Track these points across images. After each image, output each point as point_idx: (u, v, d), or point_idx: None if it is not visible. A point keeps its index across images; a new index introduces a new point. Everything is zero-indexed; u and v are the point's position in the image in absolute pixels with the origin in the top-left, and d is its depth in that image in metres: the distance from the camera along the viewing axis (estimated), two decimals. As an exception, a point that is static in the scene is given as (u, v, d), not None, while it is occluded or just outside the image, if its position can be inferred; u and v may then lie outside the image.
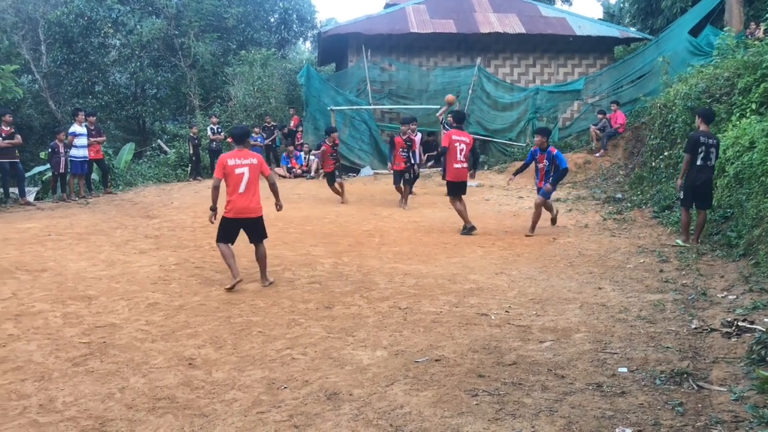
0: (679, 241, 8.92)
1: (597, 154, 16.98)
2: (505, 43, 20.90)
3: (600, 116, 17.75)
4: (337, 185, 14.10)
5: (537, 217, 10.32)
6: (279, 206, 7.80)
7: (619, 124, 17.15)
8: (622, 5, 28.72)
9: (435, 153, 19.83)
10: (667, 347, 5.11)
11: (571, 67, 21.35)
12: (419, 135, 13.17)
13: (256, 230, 7.48)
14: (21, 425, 4.01)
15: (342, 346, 5.38)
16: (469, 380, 4.58)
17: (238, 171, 7.37)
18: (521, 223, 11.22)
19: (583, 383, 4.48)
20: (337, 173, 14.18)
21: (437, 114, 14.41)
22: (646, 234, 9.91)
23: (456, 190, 10.53)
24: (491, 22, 20.75)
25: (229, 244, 7.37)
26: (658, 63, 16.91)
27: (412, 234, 10.51)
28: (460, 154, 10.45)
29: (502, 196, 14.44)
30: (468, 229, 10.34)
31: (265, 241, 7.57)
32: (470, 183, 16.41)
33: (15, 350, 5.24)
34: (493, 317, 6.11)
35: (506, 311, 6.30)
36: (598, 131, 17.43)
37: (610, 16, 29.18)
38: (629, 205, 12.06)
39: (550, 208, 10.78)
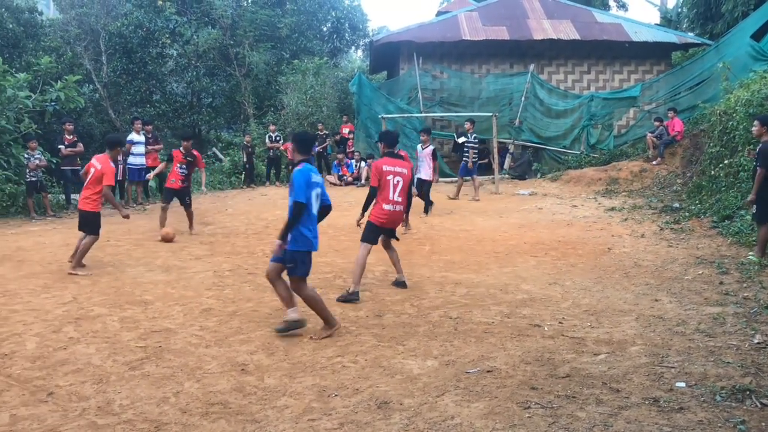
0: (753, 256, 8.42)
1: (653, 162, 16.60)
2: (559, 49, 20.66)
3: (657, 123, 17.36)
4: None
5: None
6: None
7: (677, 132, 16.74)
8: (680, 10, 28.07)
9: (486, 161, 19.76)
10: (728, 362, 4.94)
11: (627, 73, 20.98)
12: (431, 147, 12.87)
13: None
14: (80, 426, 4.11)
15: (392, 354, 5.37)
16: (521, 392, 4.51)
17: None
18: (575, 233, 11.05)
19: (639, 398, 4.37)
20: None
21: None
22: (705, 244, 9.63)
23: (375, 234, 7.50)
24: (545, 28, 20.54)
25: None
26: (717, 69, 16.47)
27: (463, 243, 10.45)
28: (394, 191, 7.38)
29: (555, 205, 14.24)
30: (349, 296, 7.17)
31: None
32: (522, 191, 16.31)
33: (75, 353, 5.39)
34: (546, 328, 6.02)
35: (560, 322, 6.20)
36: (654, 139, 17.05)
37: (668, 22, 28.54)
38: (687, 214, 11.75)
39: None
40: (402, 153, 8.83)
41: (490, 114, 17.92)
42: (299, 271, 5.79)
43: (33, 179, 13.27)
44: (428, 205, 13.23)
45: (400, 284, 7.72)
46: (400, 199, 7.40)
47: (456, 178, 17.39)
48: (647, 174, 16.22)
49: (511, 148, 19.64)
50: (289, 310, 5.91)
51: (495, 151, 17.84)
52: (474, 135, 16.02)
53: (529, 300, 7.07)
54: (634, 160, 17.37)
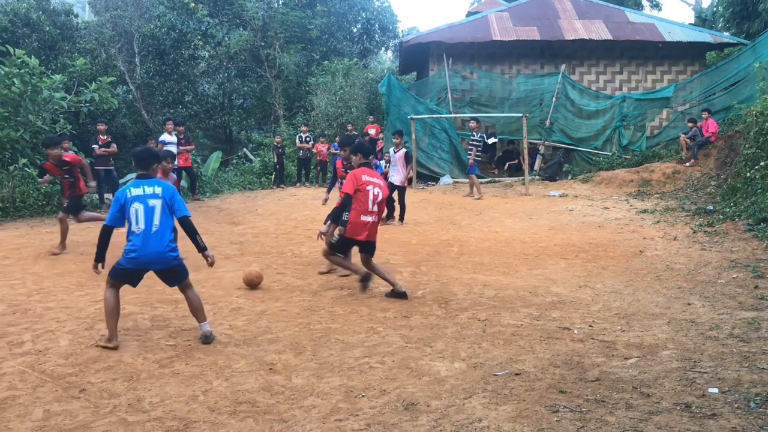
0: None
1: (687, 164, 16.35)
2: (591, 49, 20.45)
3: (690, 125, 17.09)
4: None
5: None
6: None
7: (711, 133, 16.46)
8: (715, 9, 27.60)
9: (516, 162, 19.64)
10: (763, 368, 4.84)
11: (660, 74, 20.69)
12: (403, 150, 12.59)
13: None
14: (111, 423, 4.17)
15: (420, 356, 5.36)
16: (550, 396, 4.47)
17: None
18: (606, 235, 10.92)
19: (670, 403, 4.30)
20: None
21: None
22: (740, 248, 9.45)
23: (347, 246, 7.45)
24: (576, 28, 20.35)
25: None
26: (754, 69, 16.15)
27: (492, 244, 10.39)
28: (373, 202, 7.17)
29: (586, 207, 14.10)
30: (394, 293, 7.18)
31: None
32: (553, 193, 16.19)
33: (107, 350, 5.47)
34: (575, 331, 5.96)
35: (590, 325, 6.14)
36: (688, 140, 16.79)
37: (702, 21, 28.09)
38: (721, 217, 11.54)
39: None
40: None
41: (521, 115, 17.83)
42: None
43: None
44: (403, 212, 12.61)
45: (399, 294, 7.21)
46: (377, 210, 7.22)
47: (484, 179, 17.32)
48: (680, 176, 15.99)
49: (542, 149, 19.50)
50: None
51: (525, 152, 17.76)
52: (480, 134, 16.44)
53: (559, 303, 7.01)
54: (667, 161, 17.14)
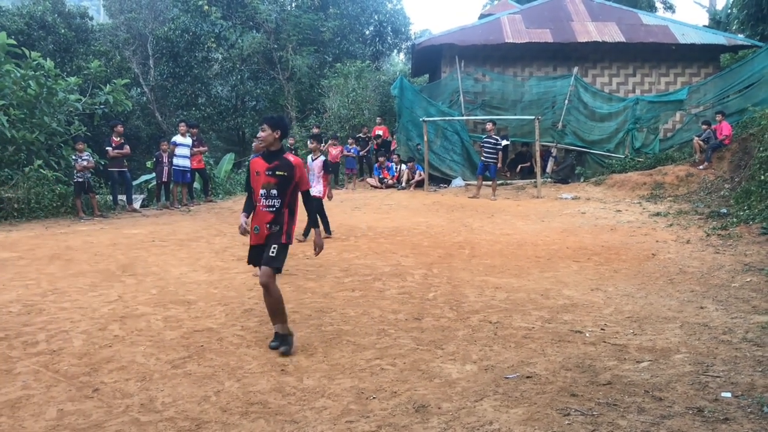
0: None
1: (700, 167, 16.24)
2: (604, 52, 20.37)
3: (704, 127, 16.98)
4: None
5: None
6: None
7: (725, 136, 16.34)
8: (729, 11, 27.41)
9: (528, 164, 19.59)
10: (777, 373, 4.81)
11: (674, 76, 20.57)
12: (322, 158, 10.91)
13: None
14: (124, 423, 4.20)
15: (431, 358, 5.36)
16: (561, 399, 4.46)
17: None
18: (619, 238, 10.87)
19: (682, 407, 4.27)
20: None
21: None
22: (754, 251, 9.38)
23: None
24: (589, 31, 20.28)
25: None
26: (768, 71, 16.04)
27: (503, 247, 10.37)
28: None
29: (598, 209, 14.04)
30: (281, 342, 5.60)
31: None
32: (565, 195, 16.14)
33: (120, 351, 5.50)
34: (587, 335, 5.93)
35: (601, 329, 6.11)
36: (701, 143, 16.67)
37: (717, 23, 27.90)
38: (735, 220, 11.47)
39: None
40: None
41: (533, 117, 17.78)
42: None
43: (80, 180, 13.59)
44: (327, 223, 11.29)
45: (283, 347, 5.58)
46: None
47: (496, 181, 17.30)
48: (694, 179, 15.89)
49: (554, 151, 19.43)
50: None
51: (537, 154, 17.70)
52: (492, 136, 16.62)
53: (571, 306, 6.99)
54: (680, 164, 17.04)
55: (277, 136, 5.53)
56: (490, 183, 16.86)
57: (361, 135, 20.84)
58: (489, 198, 16.27)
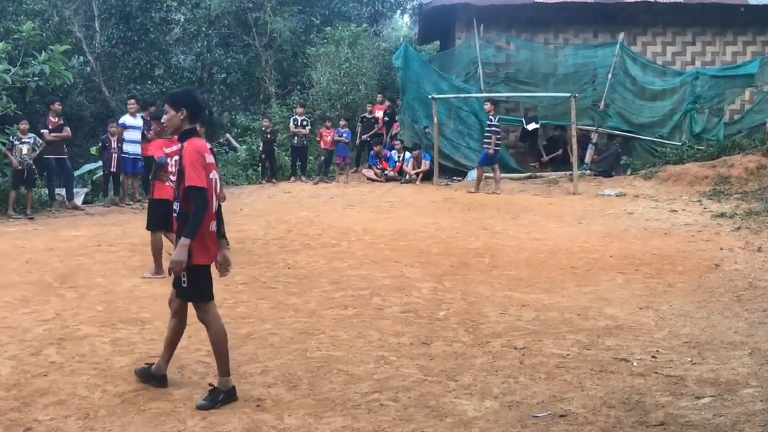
0: None
1: (775, 157, 16.26)
2: (656, 14, 20.37)
3: (780, 108, 17.01)
4: None
5: None
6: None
7: (807, 119, 16.37)
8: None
9: (561, 152, 19.57)
10: None
11: (743, 44, 20.57)
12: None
13: None
14: (62, 470, 4.20)
15: (441, 392, 5.36)
16: (602, 443, 4.46)
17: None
18: (674, 244, 10.88)
19: (753, 454, 4.28)
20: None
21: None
22: (842, 262, 9.40)
23: (209, 280, 5.43)
24: (638, -12, 20.27)
25: None
26: None
27: (531, 254, 10.38)
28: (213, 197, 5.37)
29: (649, 209, 14.05)
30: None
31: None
32: (608, 191, 16.16)
33: (57, 381, 5.50)
34: (635, 364, 5.94)
35: (652, 357, 6.12)
36: (777, 127, 16.70)
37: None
38: (818, 223, 11.49)
39: None
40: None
41: (569, 95, 17.75)
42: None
43: (20, 168, 13.55)
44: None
45: (152, 377, 5.51)
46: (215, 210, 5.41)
47: (521, 174, 17.32)
48: (766, 172, 15.89)
49: (595, 137, 19.43)
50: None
51: (574, 140, 17.68)
52: (498, 117, 16.98)
53: (615, 328, 6.99)
54: (750, 153, 17.03)
55: (183, 117, 5.26)
56: (491, 174, 17.02)
57: (366, 115, 20.83)
58: (468, 190, 16.71)
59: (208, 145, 5.70)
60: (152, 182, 8.96)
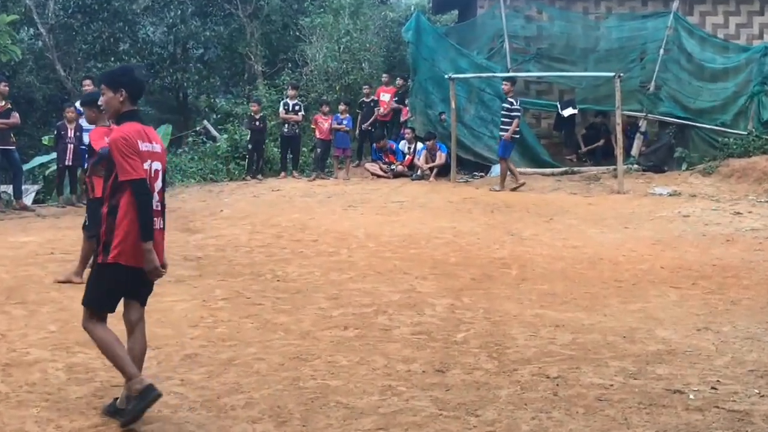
0: None
1: None
2: (717, -22, 20.35)
3: None
4: None
5: None
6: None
7: None
8: None
9: (602, 143, 19.51)
10: None
11: (821, 14, 20.54)
12: None
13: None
14: None
15: (460, 429, 5.35)
16: (652, 491, 4.45)
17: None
18: (738, 254, 10.86)
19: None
20: None
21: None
22: None
23: (117, 290, 5.43)
24: (696, -54, 20.25)
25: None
26: None
27: (568, 265, 10.36)
28: (153, 188, 5.45)
29: (708, 211, 14.03)
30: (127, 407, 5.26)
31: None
32: (659, 190, 16.13)
33: (2, 415, 5.49)
34: (691, 396, 5.92)
35: (713, 387, 6.10)
36: None
37: None
38: None
39: None
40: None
41: (612, 75, 17.70)
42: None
43: None
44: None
45: (119, 413, 5.38)
46: (157, 206, 5.53)
47: (556, 169, 17.32)
48: None
49: (643, 125, 19.40)
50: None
51: (618, 129, 17.62)
52: (519, 99, 17.12)
53: (667, 353, 6.97)
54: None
55: (122, 98, 5.33)
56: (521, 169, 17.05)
57: (364, 99, 20.74)
58: (491, 188, 16.83)
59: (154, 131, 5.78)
60: (88, 179, 8.91)
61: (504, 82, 17.45)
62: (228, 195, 16.69)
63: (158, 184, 5.47)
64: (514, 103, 16.97)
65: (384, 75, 21.91)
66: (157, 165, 5.46)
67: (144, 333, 5.60)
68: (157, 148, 5.50)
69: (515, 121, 16.72)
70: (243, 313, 8.18)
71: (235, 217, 13.92)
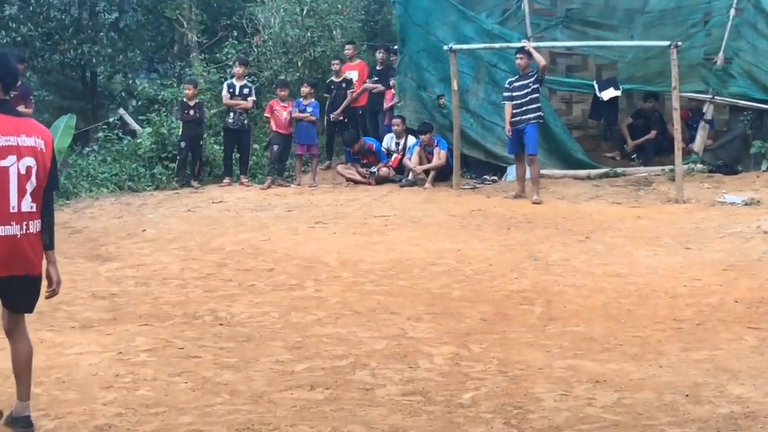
0: None
1: None
2: None
3: None
4: None
5: None
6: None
7: None
8: None
9: (654, 134, 19.55)
10: None
11: None
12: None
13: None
14: None
15: None
16: None
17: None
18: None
19: None
20: None
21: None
22: None
23: None
24: None
25: None
26: None
27: (610, 300, 10.39)
28: (19, 190, 6.00)
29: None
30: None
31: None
32: (731, 198, 16.19)
33: None
34: (777, 475, 5.94)
35: (805, 463, 6.13)
36: None
37: None
38: None
39: None
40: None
41: (667, 44, 17.73)
42: None
43: None
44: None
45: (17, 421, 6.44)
46: (32, 208, 6.12)
47: (594, 170, 17.44)
48: None
49: (709, 111, 19.45)
50: None
51: (676, 116, 17.66)
52: (539, 76, 16.93)
53: (744, 416, 6.99)
54: None
55: None
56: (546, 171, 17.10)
57: (334, 78, 20.66)
58: (531, 199, 16.69)
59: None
60: None
61: (519, 55, 17.34)
62: (153, 209, 16.66)
63: (28, 186, 6.02)
64: (537, 75, 16.94)
65: (348, 46, 21.74)
66: (29, 161, 6.00)
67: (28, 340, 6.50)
68: (28, 141, 6.01)
69: (508, 107, 16.89)
70: (173, 369, 8.16)
71: (162, 239, 13.91)
